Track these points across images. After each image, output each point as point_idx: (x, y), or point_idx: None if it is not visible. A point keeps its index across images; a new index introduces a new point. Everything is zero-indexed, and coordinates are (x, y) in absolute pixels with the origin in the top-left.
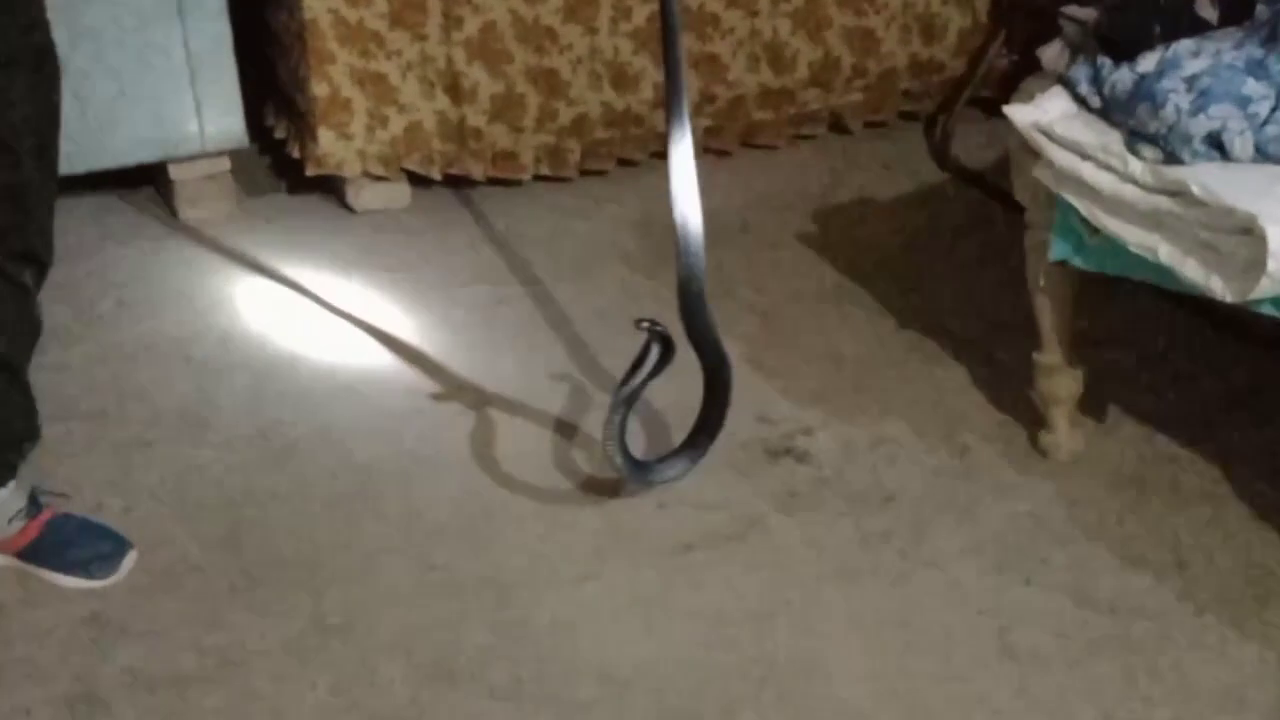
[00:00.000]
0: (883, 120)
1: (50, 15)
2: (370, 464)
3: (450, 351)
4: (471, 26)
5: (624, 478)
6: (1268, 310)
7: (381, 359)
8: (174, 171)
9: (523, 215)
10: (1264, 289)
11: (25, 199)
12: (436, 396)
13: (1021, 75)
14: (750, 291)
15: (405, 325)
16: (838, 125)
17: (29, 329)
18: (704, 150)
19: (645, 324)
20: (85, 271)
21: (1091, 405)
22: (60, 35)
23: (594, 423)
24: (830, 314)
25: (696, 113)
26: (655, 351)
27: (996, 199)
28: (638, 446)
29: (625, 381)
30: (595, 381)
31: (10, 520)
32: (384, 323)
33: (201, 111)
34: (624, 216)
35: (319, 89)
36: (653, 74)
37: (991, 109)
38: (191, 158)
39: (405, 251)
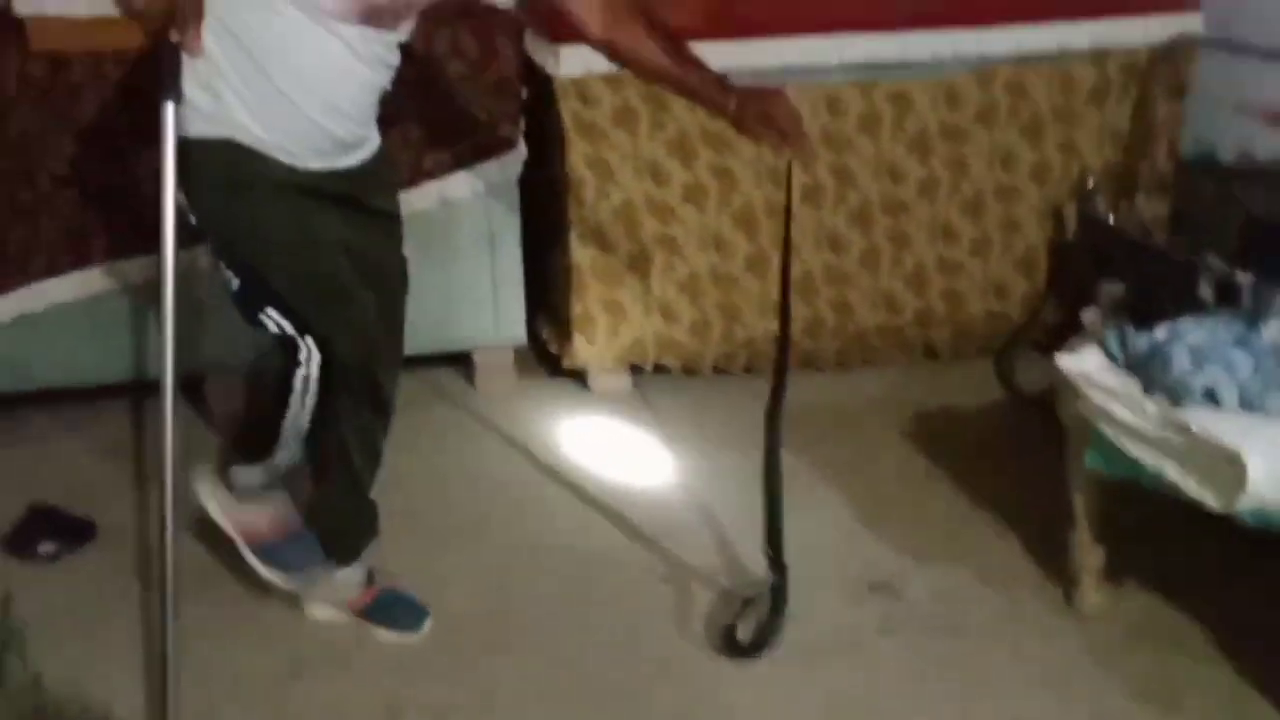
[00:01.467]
0: (965, 354)
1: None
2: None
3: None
4: (681, 273)
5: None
6: (1247, 519)
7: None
8: (476, 356)
9: (699, 398)
10: (1245, 503)
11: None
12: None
13: (1068, 327)
14: (861, 469)
15: (622, 480)
16: (931, 353)
17: (377, 456)
18: (835, 364)
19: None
20: (406, 421)
21: (1114, 571)
22: (411, 256)
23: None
24: (922, 491)
25: (833, 338)
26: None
27: (1046, 416)
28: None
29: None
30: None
31: (355, 589)
32: (604, 475)
33: (498, 317)
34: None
35: (577, 309)
36: (801, 309)
37: (1043, 350)
38: (488, 348)
39: (624, 421)
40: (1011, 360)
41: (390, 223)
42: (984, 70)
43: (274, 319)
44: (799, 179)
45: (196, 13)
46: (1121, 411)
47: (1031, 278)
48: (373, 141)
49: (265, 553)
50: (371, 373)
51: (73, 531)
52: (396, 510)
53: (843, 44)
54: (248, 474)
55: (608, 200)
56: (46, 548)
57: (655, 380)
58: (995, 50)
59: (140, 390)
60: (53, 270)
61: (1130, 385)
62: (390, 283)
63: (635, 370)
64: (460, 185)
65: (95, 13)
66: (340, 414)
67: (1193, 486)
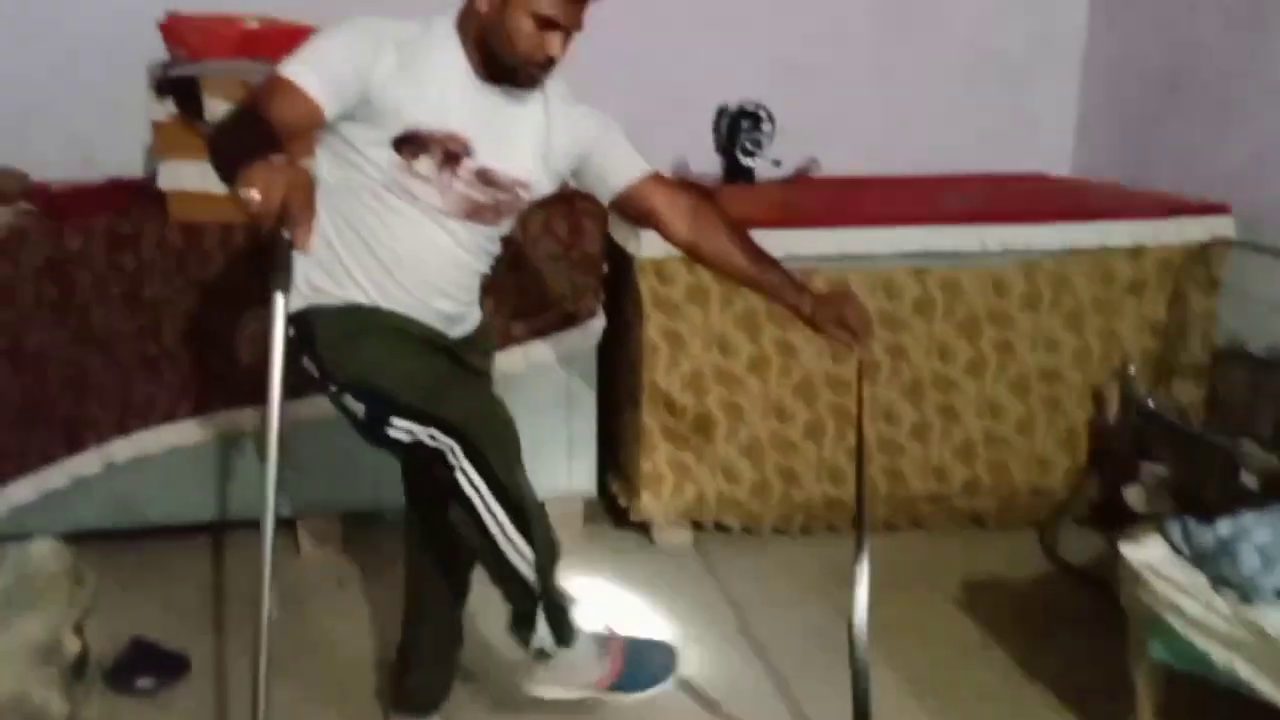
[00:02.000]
0: (1010, 524)
1: None
2: None
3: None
4: (744, 437)
5: None
6: None
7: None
8: (549, 507)
9: (758, 556)
10: None
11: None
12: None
13: (1107, 504)
14: (911, 634)
15: (685, 631)
16: (977, 521)
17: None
18: (885, 527)
19: None
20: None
21: None
22: None
23: None
24: (975, 660)
25: (884, 503)
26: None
27: (1090, 587)
28: None
29: None
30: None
31: (598, 659)
32: (667, 624)
33: (572, 470)
34: (823, 566)
35: (646, 466)
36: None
37: (1085, 523)
38: (560, 499)
39: (683, 573)
40: (1055, 533)
41: (486, 382)
42: (1029, 262)
43: (404, 427)
44: (865, 374)
45: (307, 212)
46: (1190, 605)
47: (1073, 454)
48: (475, 315)
49: (629, 684)
50: (510, 463)
51: (169, 666)
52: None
53: (899, 235)
54: (542, 638)
55: (679, 368)
56: (144, 682)
57: (716, 537)
58: (1040, 244)
59: (233, 528)
60: (171, 416)
61: (1197, 579)
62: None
63: (697, 526)
64: (545, 350)
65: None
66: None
67: (1267, 686)
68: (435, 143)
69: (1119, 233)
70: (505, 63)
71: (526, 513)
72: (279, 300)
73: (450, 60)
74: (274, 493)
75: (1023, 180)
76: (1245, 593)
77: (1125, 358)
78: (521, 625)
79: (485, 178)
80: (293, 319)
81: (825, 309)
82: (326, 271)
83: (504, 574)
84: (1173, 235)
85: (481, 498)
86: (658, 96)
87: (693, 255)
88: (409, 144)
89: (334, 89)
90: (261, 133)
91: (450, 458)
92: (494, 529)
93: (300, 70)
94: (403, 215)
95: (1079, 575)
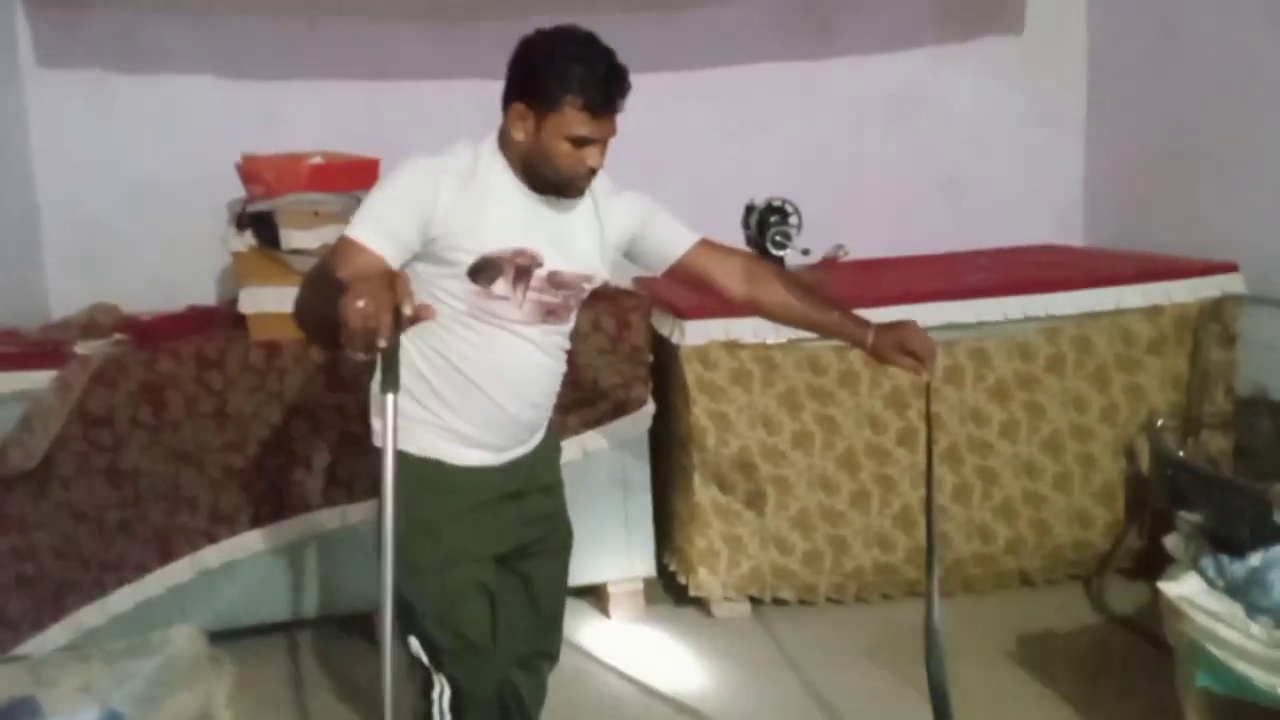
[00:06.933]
0: (1055, 579)
1: None
2: None
3: None
4: (794, 508)
5: None
6: None
7: None
8: (611, 587)
9: (815, 625)
10: None
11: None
12: None
13: (1149, 554)
14: (973, 693)
15: (752, 705)
16: (1025, 580)
17: (542, 696)
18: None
19: None
20: None
21: None
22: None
23: None
24: (1031, 708)
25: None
26: None
27: (1138, 634)
28: None
29: None
30: None
31: None
32: (734, 700)
33: (630, 551)
34: (878, 630)
35: (700, 543)
36: (903, 540)
37: (1129, 575)
38: (620, 580)
39: (746, 645)
40: (1102, 585)
41: (554, 490)
42: (1051, 327)
43: (415, 647)
44: (929, 396)
45: (408, 298)
46: (1228, 633)
47: (1111, 507)
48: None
49: None
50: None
51: None
52: None
53: (925, 311)
54: None
55: (726, 447)
56: None
57: (773, 609)
58: (1060, 310)
59: (323, 626)
60: (257, 522)
61: (1233, 609)
62: (547, 573)
63: (754, 601)
64: (599, 439)
65: None
66: None
67: None
68: (507, 262)
69: (1134, 295)
70: (551, 180)
71: None
72: (389, 402)
73: (502, 181)
74: (390, 588)
75: (1036, 251)
76: (1278, 618)
77: (1153, 412)
78: None
79: (555, 280)
80: (380, 454)
81: (888, 338)
82: (420, 403)
83: None
84: (1186, 294)
85: None
86: (687, 196)
87: (755, 309)
88: (483, 270)
89: (397, 240)
90: (337, 290)
91: (436, 700)
92: None
93: (363, 230)
94: (486, 335)
95: (1127, 624)
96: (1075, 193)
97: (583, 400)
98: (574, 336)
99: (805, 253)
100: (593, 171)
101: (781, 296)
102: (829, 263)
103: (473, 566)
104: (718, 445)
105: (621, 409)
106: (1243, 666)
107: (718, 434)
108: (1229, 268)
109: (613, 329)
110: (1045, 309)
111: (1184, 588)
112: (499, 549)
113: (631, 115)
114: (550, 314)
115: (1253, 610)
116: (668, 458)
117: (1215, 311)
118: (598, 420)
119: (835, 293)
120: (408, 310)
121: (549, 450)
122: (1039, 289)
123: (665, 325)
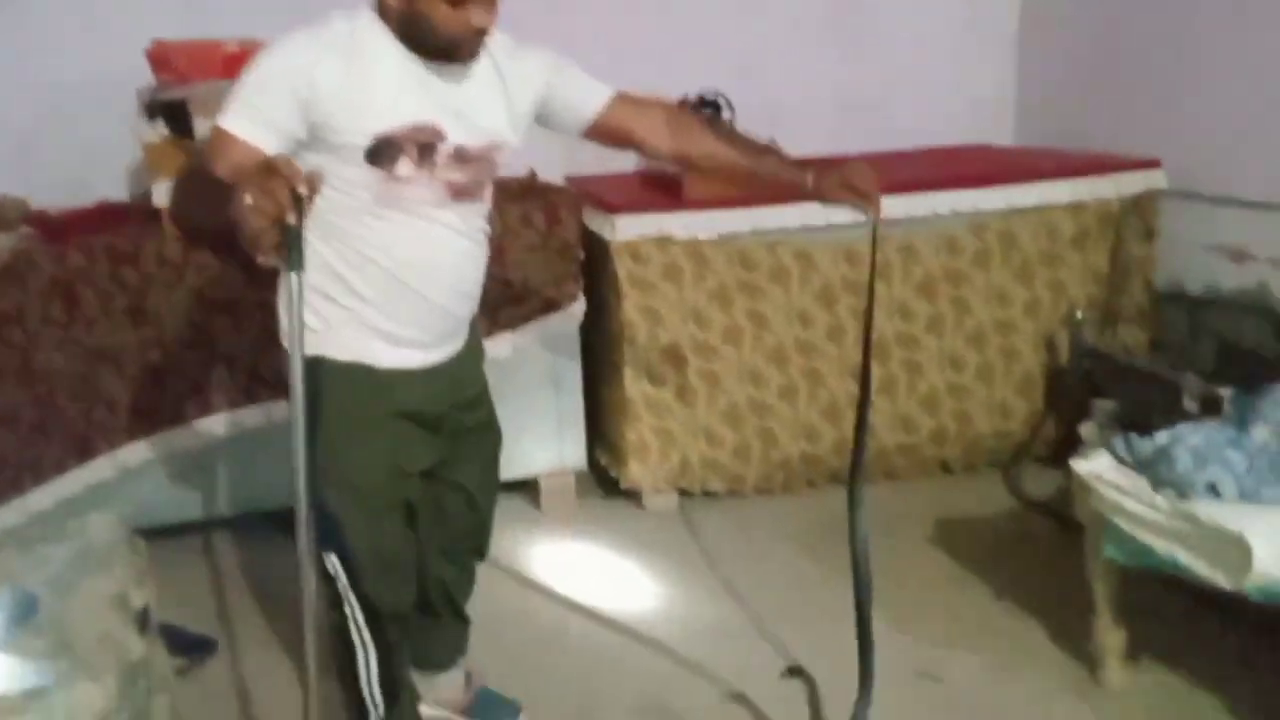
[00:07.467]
0: (976, 467)
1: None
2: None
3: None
4: (723, 402)
5: None
6: (1255, 595)
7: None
8: (542, 482)
9: (741, 515)
10: (1251, 581)
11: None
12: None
13: (1065, 442)
14: (893, 573)
15: (679, 591)
16: (946, 469)
17: (470, 587)
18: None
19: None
20: None
21: (1134, 653)
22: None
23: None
24: (952, 589)
25: None
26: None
27: (1053, 519)
28: None
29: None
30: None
31: (458, 690)
32: (660, 586)
33: (561, 446)
34: (802, 520)
35: (631, 436)
36: (830, 432)
37: (1046, 462)
38: (553, 474)
39: (674, 536)
40: (1019, 472)
41: (480, 399)
42: (978, 223)
43: (333, 563)
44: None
45: (302, 182)
46: (1134, 506)
47: (1031, 398)
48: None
49: None
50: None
51: (196, 647)
52: (486, 618)
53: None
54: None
55: (657, 342)
56: (175, 663)
57: (702, 501)
58: (988, 206)
59: (243, 524)
60: (178, 421)
61: (1140, 483)
62: (478, 479)
63: (684, 493)
64: (529, 335)
65: None
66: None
67: (1204, 569)
68: (406, 140)
69: (1059, 191)
70: (436, 45)
71: (402, 696)
72: (294, 281)
73: (386, 51)
74: (305, 479)
75: (968, 150)
76: (1181, 489)
77: (1073, 306)
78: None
79: (462, 155)
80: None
81: (830, 177)
82: (340, 304)
83: (349, 702)
84: (1109, 190)
85: (365, 657)
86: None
87: (683, 163)
88: (382, 152)
89: (274, 128)
90: (215, 190)
91: (351, 620)
92: (362, 677)
93: (236, 120)
94: (400, 224)
95: (1042, 509)
96: (1008, 94)
97: (513, 297)
98: (494, 220)
99: None
100: (480, 32)
101: (710, 145)
102: None
103: (398, 484)
104: (648, 340)
105: (552, 305)
106: (1146, 537)
107: (649, 329)
108: (1151, 164)
109: (543, 225)
110: (973, 204)
111: (1094, 465)
112: (426, 463)
113: (564, 17)
114: (463, 193)
115: (1158, 484)
116: (600, 354)
117: (1136, 206)
118: (528, 317)
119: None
120: (302, 189)
121: (474, 357)
122: (967, 184)
123: (596, 221)
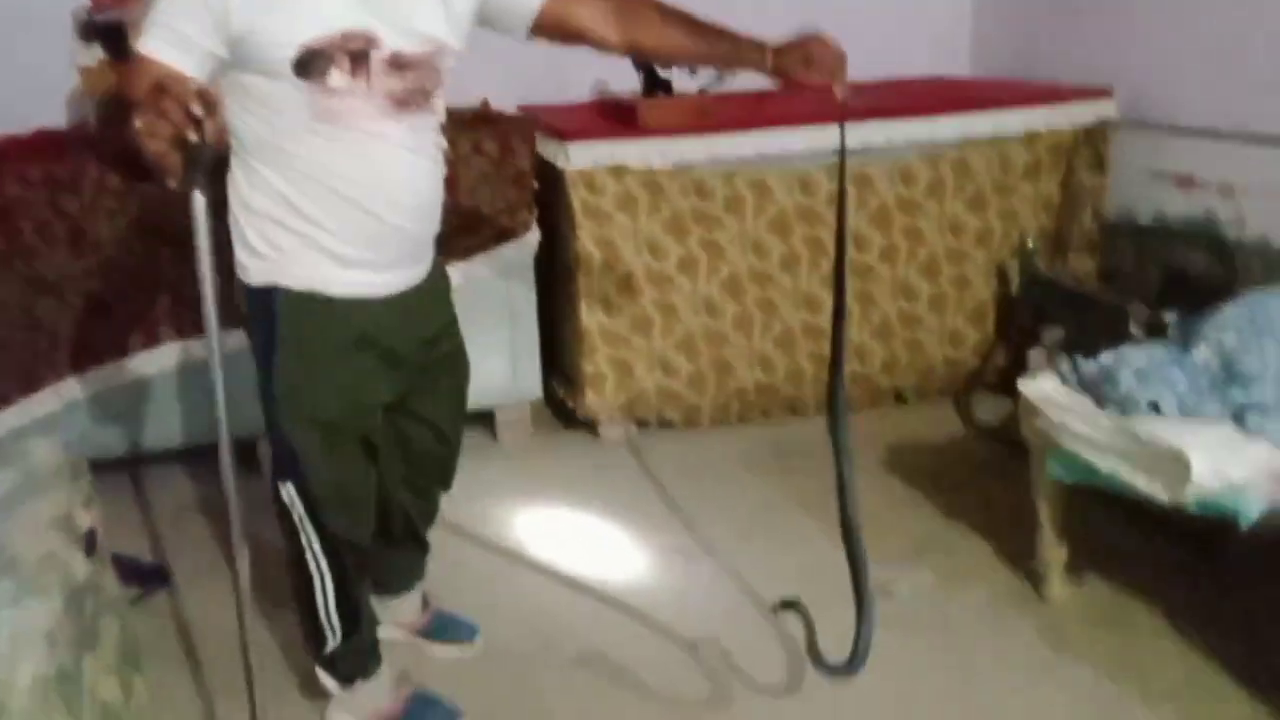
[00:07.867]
0: (928, 396)
1: None
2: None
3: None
4: (679, 332)
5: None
6: (1193, 508)
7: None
8: (499, 413)
9: (696, 444)
10: (1190, 494)
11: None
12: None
13: (1015, 370)
14: None
15: (634, 518)
16: (899, 398)
17: (433, 516)
18: (815, 410)
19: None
20: None
21: (1076, 569)
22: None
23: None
24: (901, 510)
25: (812, 386)
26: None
27: (1002, 444)
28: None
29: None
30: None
31: (414, 613)
32: (617, 514)
33: (517, 377)
34: (756, 449)
35: (587, 367)
36: (784, 361)
37: (996, 390)
38: (509, 405)
39: (630, 466)
40: (969, 399)
41: (449, 332)
42: (932, 153)
43: (289, 494)
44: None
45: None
46: (1078, 424)
47: (982, 327)
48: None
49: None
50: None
51: (149, 576)
52: (443, 547)
53: (812, 135)
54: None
55: (612, 273)
56: (129, 593)
57: (658, 431)
58: (942, 136)
59: (193, 456)
60: (125, 351)
61: (1084, 402)
62: (446, 413)
63: (641, 424)
64: (483, 265)
65: None
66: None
67: (1144, 483)
68: (336, 49)
69: (1012, 121)
70: None
71: (361, 623)
72: (198, 201)
73: None
74: (226, 418)
75: (923, 81)
76: (1124, 407)
77: (1024, 235)
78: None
79: (399, 62)
80: (256, 292)
81: (790, 55)
82: (290, 229)
83: (306, 630)
84: (1062, 120)
85: (322, 585)
86: None
87: (635, 53)
88: (311, 64)
89: (191, 48)
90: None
91: (307, 549)
92: (319, 605)
93: (152, 42)
94: (343, 141)
95: (991, 434)
96: (964, 26)
97: (466, 226)
98: (453, 161)
99: (692, 73)
100: None
101: (662, 33)
102: (715, 87)
103: (358, 419)
104: (603, 271)
105: (506, 234)
106: (1089, 455)
107: (603, 259)
108: (1103, 93)
109: (495, 153)
110: (929, 135)
111: (1040, 387)
112: (387, 397)
113: None
114: (405, 103)
115: (1101, 403)
116: (555, 285)
117: (1088, 136)
118: (482, 246)
119: (725, 116)
120: (197, 108)
121: (438, 289)
122: (922, 114)
123: (550, 149)
